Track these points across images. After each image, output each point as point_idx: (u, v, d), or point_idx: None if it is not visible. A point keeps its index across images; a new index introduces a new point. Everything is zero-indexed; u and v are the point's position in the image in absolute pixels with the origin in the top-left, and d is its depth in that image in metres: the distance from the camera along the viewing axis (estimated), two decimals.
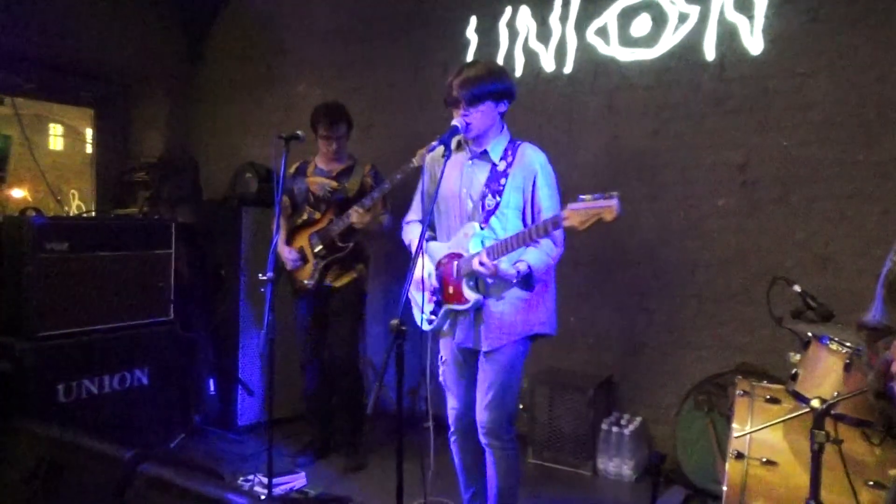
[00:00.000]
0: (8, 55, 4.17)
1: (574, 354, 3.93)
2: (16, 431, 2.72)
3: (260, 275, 2.95)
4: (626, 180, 3.60)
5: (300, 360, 3.70)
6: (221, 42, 5.40)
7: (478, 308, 2.53)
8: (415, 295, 2.67)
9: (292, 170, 3.68)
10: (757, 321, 3.33)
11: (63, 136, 5.87)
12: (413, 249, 2.63)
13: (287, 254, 3.57)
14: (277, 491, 3.13)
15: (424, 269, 2.63)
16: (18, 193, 4.79)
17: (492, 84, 2.47)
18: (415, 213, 2.83)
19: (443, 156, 2.47)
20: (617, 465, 3.59)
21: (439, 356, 2.72)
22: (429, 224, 2.74)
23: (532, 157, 2.54)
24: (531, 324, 2.57)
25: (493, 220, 2.51)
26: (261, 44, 5.16)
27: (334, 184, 3.58)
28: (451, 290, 2.58)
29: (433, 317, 2.63)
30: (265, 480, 3.01)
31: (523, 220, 2.53)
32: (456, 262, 2.55)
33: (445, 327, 2.64)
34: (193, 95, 5.48)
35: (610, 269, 3.83)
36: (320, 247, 3.54)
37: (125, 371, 3.49)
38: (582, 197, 2.20)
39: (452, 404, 2.74)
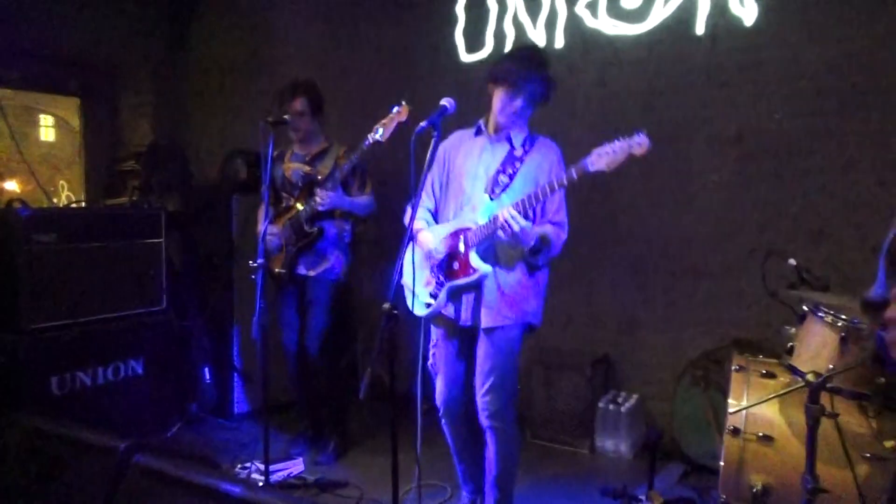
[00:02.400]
0: None
1: (571, 333, 3.91)
2: (10, 424, 2.70)
3: (251, 261, 2.93)
4: None
5: (283, 349, 3.65)
6: (207, 27, 5.33)
7: (480, 286, 2.53)
8: (408, 281, 2.64)
9: (273, 155, 3.61)
10: (752, 296, 3.31)
11: (55, 126, 5.79)
12: (415, 229, 2.65)
13: (269, 232, 3.43)
14: (275, 477, 3.12)
15: (429, 248, 2.62)
16: (12, 186, 4.74)
17: (535, 82, 2.48)
18: (424, 202, 2.79)
19: (431, 136, 2.44)
20: (615, 443, 3.59)
21: (430, 340, 2.71)
22: (434, 210, 2.76)
23: (549, 149, 2.61)
24: (526, 310, 2.59)
25: (503, 196, 2.53)
26: (247, 27, 5.08)
27: (307, 168, 3.48)
28: (456, 265, 2.57)
29: (432, 300, 2.61)
30: (263, 467, 3.01)
31: (533, 210, 2.52)
32: (463, 235, 2.55)
33: (444, 309, 2.62)
34: (181, 82, 5.41)
35: (605, 247, 3.81)
36: (291, 232, 3.45)
37: (119, 362, 3.48)
38: (606, 143, 2.24)
39: (441, 387, 2.73)
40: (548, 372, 3.73)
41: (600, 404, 3.62)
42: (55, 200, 4.79)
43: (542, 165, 2.55)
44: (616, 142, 2.22)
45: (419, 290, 2.64)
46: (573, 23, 3.76)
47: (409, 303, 2.67)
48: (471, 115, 2.68)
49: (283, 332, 3.59)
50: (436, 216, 2.76)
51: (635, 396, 3.67)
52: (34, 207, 3.38)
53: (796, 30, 3.21)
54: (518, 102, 2.50)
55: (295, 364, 3.60)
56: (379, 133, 2.93)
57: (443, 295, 2.58)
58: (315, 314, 3.49)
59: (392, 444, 2.18)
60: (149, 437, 3.43)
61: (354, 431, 3.78)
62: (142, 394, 3.56)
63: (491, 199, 2.51)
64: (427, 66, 4.27)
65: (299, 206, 3.42)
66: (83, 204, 4.79)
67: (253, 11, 5.04)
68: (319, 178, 3.41)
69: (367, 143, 3.00)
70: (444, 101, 2.42)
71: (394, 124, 2.92)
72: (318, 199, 3.28)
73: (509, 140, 2.58)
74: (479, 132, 2.66)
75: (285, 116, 3.27)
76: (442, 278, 2.59)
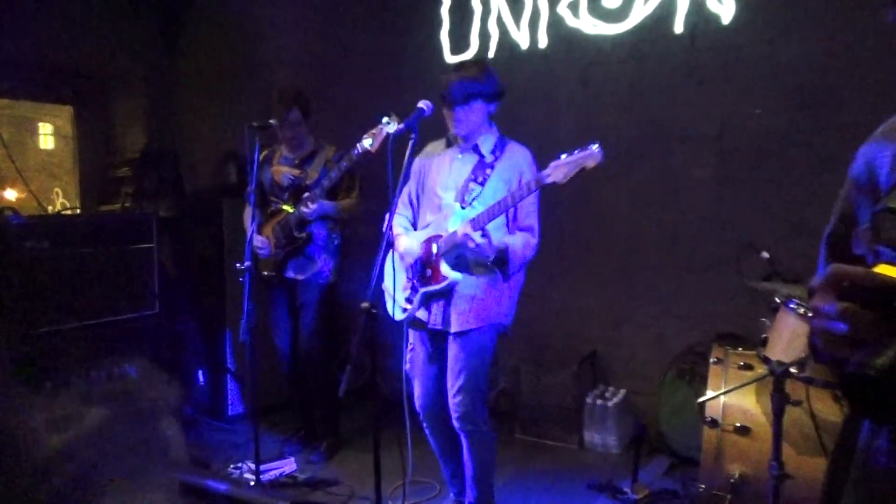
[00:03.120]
0: None
1: (558, 330, 3.96)
2: None
3: (238, 264, 2.97)
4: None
5: (276, 350, 3.69)
6: (197, 33, 5.38)
7: (451, 291, 2.58)
8: (388, 286, 2.70)
9: (261, 158, 3.65)
10: (736, 290, 3.34)
11: (53, 134, 5.85)
12: (394, 234, 2.70)
13: (257, 243, 3.48)
14: (266, 477, 3.17)
15: (403, 252, 2.67)
16: (11, 195, 4.80)
17: (485, 85, 2.56)
18: (401, 210, 2.83)
19: (409, 139, 2.48)
20: (603, 438, 3.63)
21: (407, 345, 2.76)
22: (412, 219, 2.81)
23: (520, 155, 2.66)
24: (497, 313, 2.63)
25: (475, 203, 2.57)
26: (237, 33, 5.13)
27: (297, 171, 3.52)
28: (428, 271, 2.62)
29: (408, 305, 2.66)
30: (254, 467, 3.06)
31: (506, 215, 2.57)
32: (435, 243, 2.60)
33: (419, 313, 2.67)
34: (173, 88, 5.46)
35: (590, 245, 3.85)
36: (280, 237, 3.49)
37: (112, 366, 3.52)
38: (562, 154, 2.32)
39: (418, 391, 2.78)
40: (537, 369, 3.77)
41: (588, 399, 3.66)
42: (49, 208, 4.85)
43: (512, 170, 2.60)
44: (573, 153, 2.30)
45: (398, 295, 2.69)
46: (556, 23, 3.81)
47: (388, 307, 2.72)
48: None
49: (274, 333, 3.64)
50: (414, 225, 2.81)
51: (622, 391, 3.71)
52: (26, 215, 3.44)
53: (774, 27, 3.25)
54: (472, 115, 2.57)
55: (288, 365, 3.65)
56: (368, 143, 2.96)
57: (417, 300, 2.63)
58: (306, 316, 3.54)
59: (374, 440, 2.24)
60: None
61: (346, 431, 3.83)
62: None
63: (462, 207, 2.56)
64: (413, 68, 4.32)
65: (287, 209, 3.46)
66: (77, 211, 4.85)
67: (243, 18, 5.09)
68: (308, 182, 3.45)
69: (356, 152, 3.02)
70: (422, 104, 2.47)
71: (382, 135, 2.94)
72: (304, 208, 3.32)
73: (477, 149, 2.63)
74: (449, 143, 2.72)
75: (271, 121, 3.31)
76: (416, 284, 2.65)
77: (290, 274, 3.51)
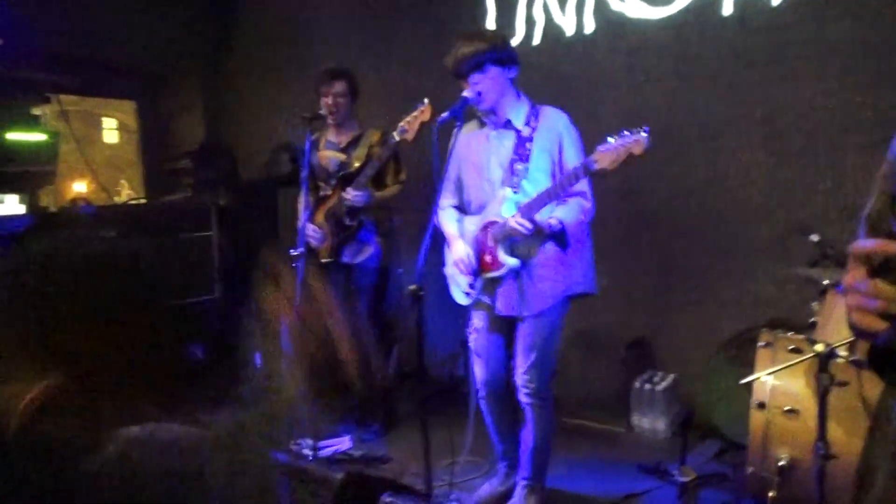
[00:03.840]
0: (52, 57, 4.40)
1: (606, 315, 3.96)
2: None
3: (291, 250, 3.10)
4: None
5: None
6: (249, 28, 5.55)
7: (516, 274, 2.60)
8: (452, 272, 2.76)
9: (312, 145, 3.76)
10: (786, 274, 3.31)
11: (117, 129, 6.13)
12: (447, 233, 2.75)
13: (310, 231, 3.57)
14: (323, 453, 3.31)
15: (459, 257, 2.70)
16: (80, 187, 5.06)
17: (491, 50, 2.51)
18: (447, 197, 2.85)
19: (454, 127, 2.54)
20: (651, 422, 3.65)
21: (470, 325, 2.82)
22: (458, 203, 2.84)
23: (555, 120, 2.61)
24: (570, 284, 2.65)
25: (524, 184, 2.57)
26: (287, 27, 5.27)
27: (342, 156, 3.58)
28: (487, 258, 2.65)
29: (471, 290, 2.71)
30: (312, 443, 3.21)
31: (553, 181, 2.57)
32: (490, 230, 2.62)
33: (484, 298, 2.72)
34: (227, 82, 5.65)
35: (638, 229, 3.85)
36: (332, 224, 3.57)
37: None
38: (609, 138, 2.27)
39: (481, 370, 2.82)
40: (585, 353, 3.81)
41: (636, 384, 3.68)
42: (116, 199, 5.11)
43: (551, 138, 2.57)
44: (622, 136, 2.25)
45: (460, 279, 2.74)
46: (601, 7, 3.80)
47: (452, 292, 2.80)
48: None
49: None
50: (463, 210, 2.84)
51: (671, 376, 3.71)
52: (96, 205, 3.65)
53: (824, 6, 3.18)
54: (491, 83, 2.52)
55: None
56: (403, 131, 3.02)
57: (478, 285, 2.69)
58: (360, 300, 3.65)
59: (422, 420, 2.33)
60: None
61: (398, 411, 3.94)
62: (198, 378, 3.80)
63: (514, 191, 2.56)
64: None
65: (336, 196, 3.56)
66: (141, 201, 5.10)
67: (292, 12, 5.23)
68: (352, 168, 3.52)
69: (392, 140, 3.09)
70: (466, 92, 2.52)
71: (417, 123, 3.01)
72: (348, 197, 3.40)
73: (511, 125, 2.61)
74: (482, 124, 2.71)
75: (320, 111, 3.42)
76: (476, 270, 2.69)
77: (346, 259, 3.62)
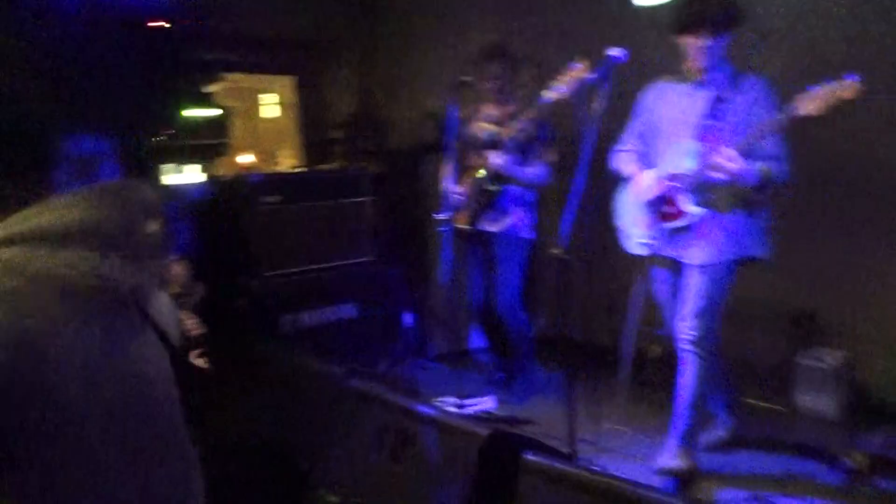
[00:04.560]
0: (223, 36, 4.77)
1: (768, 283, 3.68)
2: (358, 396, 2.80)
3: (436, 215, 3.17)
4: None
5: (469, 304, 3.82)
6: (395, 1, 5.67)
7: (696, 226, 2.62)
8: (623, 223, 2.80)
9: (464, 115, 3.78)
10: None
11: (279, 103, 6.55)
12: (629, 171, 2.82)
13: (454, 189, 3.61)
14: (466, 410, 3.41)
15: (648, 174, 2.73)
16: (248, 158, 5.49)
17: (735, 14, 2.50)
18: (628, 143, 2.92)
19: (601, 88, 2.51)
20: (816, 402, 3.38)
21: (640, 280, 2.89)
22: (639, 154, 2.88)
23: (758, 90, 2.58)
24: (746, 244, 2.65)
25: (712, 139, 2.57)
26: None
27: (497, 129, 3.57)
28: (668, 208, 2.68)
29: (649, 241, 2.76)
30: (457, 401, 3.32)
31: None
32: (674, 179, 2.65)
33: (663, 250, 2.74)
34: (378, 52, 5.83)
35: (815, 193, 3.49)
36: (475, 189, 3.58)
37: (336, 305, 4.00)
38: (812, 87, 2.24)
39: (667, 322, 2.88)
40: (739, 323, 3.58)
41: (801, 360, 3.42)
42: (277, 168, 5.48)
43: (750, 106, 2.52)
44: (826, 84, 2.19)
45: (634, 231, 2.79)
46: None
47: (625, 244, 2.85)
48: (646, 61, 2.66)
49: (468, 288, 3.84)
50: (644, 163, 2.84)
51: (841, 354, 3.40)
52: (262, 174, 3.97)
53: None
54: (712, 45, 2.49)
55: (480, 315, 3.83)
56: (560, 89, 2.97)
57: (657, 236, 2.71)
58: (503, 272, 3.63)
59: (568, 386, 2.32)
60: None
61: (543, 375, 3.94)
62: (355, 334, 4.06)
63: (702, 144, 2.55)
64: (608, 17, 4.18)
65: (484, 162, 3.57)
66: (301, 169, 5.45)
67: None
68: (506, 138, 3.51)
69: (545, 100, 3.05)
70: (613, 51, 2.45)
71: (573, 81, 2.94)
72: (493, 159, 3.41)
73: (713, 84, 2.58)
74: (681, 80, 2.68)
75: (471, 78, 3.43)
76: (655, 221, 2.72)
77: (485, 226, 3.62)
